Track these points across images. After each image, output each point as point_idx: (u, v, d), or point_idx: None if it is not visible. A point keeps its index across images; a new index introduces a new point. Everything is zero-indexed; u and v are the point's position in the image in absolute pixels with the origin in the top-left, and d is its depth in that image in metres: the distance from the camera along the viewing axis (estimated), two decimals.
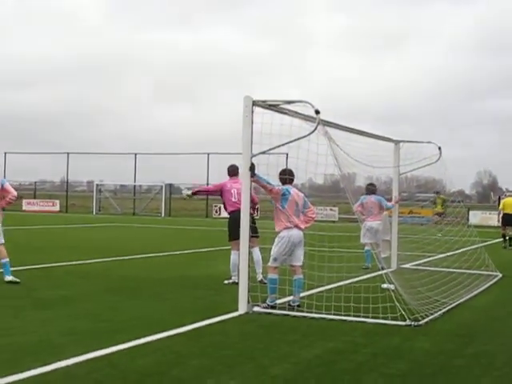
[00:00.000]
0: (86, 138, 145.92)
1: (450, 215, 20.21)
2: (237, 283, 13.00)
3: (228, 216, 14.33)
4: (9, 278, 13.73)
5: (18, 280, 13.62)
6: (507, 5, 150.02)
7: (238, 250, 13.09)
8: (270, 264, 11.49)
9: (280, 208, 11.45)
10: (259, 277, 13.70)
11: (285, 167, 12.06)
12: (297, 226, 11.51)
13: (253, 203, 13.81)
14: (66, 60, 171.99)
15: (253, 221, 13.09)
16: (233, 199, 14.14)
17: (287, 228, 11.42)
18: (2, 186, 14.27)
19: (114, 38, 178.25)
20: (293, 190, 11.69)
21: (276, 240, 11.50)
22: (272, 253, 11.50)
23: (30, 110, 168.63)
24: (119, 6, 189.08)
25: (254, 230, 12.30)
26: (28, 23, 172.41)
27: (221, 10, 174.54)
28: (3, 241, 14.23)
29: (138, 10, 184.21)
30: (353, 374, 7.42)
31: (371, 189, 17.84)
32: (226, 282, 14.03)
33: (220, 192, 14.54)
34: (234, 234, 13.04)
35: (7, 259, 13.95)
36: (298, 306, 11.29)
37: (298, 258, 11.59)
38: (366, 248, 17.48)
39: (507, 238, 28.11)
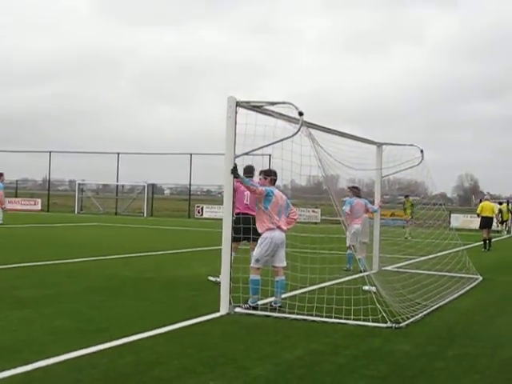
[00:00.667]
0: (68, 136, 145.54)
1: (421, 218, 20.30)
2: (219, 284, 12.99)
3: (235, 216, 13.49)
4: None
5: None
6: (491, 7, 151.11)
7: (235, 251, 13.04)
8: (252, 265, 11.49)
9: (263, 209, 11.45)
10: None
11: (267, 168, 12.00)
12: (279, 228, 11.52)
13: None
14: (52, 57, 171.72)
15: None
16: (245, 201, 13.87)
17: (270, 229, 11.43)
18: None
19: (97, 36, 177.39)
20: (276, 191, 11.70)
21: (259, 241, 11.51)
22: (254, 253, 11.52)
23: (13, 108, 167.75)
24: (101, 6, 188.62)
25: (256, 233, 12.32)
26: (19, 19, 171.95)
27: (207, 8, 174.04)
28: None
29: (122, 8, 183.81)
30: (334, 375, 7.44)
31: (357, 192, 17.88)
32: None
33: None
34: (235, 236, 12.83)
35: None
36: (280, 307, 11.30)
37: (281, 259, 11.60)
38: (349, 251, 17.48)
39: (487, 241, 28.36)
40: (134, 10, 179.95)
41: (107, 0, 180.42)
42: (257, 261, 11.44)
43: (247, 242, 13.58)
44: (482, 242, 28.57)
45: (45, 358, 7.57)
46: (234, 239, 12.80)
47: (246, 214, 13.49)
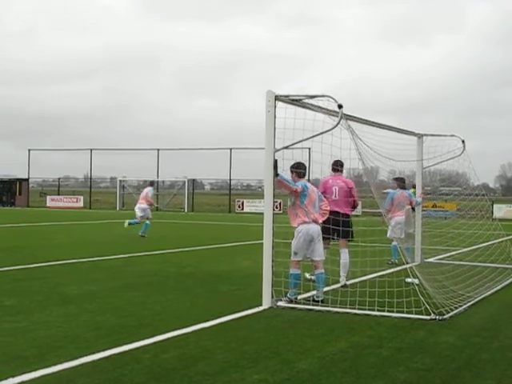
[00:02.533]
0: (108, 134, 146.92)
1: (464, 209, 20.06)
2: (345, 285, 12.96)
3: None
4: None
5: None
6: None
7: (326, 248, 12.86)
8: (292, 258, 11.45)
9: (299, 204, 11.40)
10: (342, 280, 13.23)
11: (299, 161, 11.79)
12: (315, 221, 11.49)
13: (353, 203, 13.68)
14: (91, 56, 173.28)
15: (347, 223, 13.03)
16: (333, 197, 13.43)
17: (305, 223, 11.39)
18: None
19: (135, 33, 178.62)
20: (309, 185, 11.66)
21: (295, 234, 11.45)
22: (292, 247, 11.45)
23: (53, 106, 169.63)
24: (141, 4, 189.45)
25: (345, 234, 12.28)
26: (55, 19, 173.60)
27: (245, 2, 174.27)
28: None
29: (159, 4, 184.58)
30: (378, 368, 7.40)
31: (402, 184, 17.75)
32: (307, 276, 13.08)
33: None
34: (324, 234, 12.70)
35: None
36: (322, 301, 11.27)
37: (319, 253, 11.56)
38: (393, 243, 17.31)
39: None
40: (172, 5, 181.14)
41: None
42: (295, 254, 11.40)
43: (336, 238, 13.39)
44: None
45: (90, 354, 7.65)
46: (324, 238, 12.63)
47: (338, 213, 13.19)
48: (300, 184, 11.43)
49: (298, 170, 11.64)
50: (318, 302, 11.25)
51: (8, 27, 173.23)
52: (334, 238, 13.11)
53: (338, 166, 13.56)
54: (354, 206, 13.84)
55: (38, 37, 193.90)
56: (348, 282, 13.05)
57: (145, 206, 26.72)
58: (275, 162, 11.00)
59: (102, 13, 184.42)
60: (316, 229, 11.51)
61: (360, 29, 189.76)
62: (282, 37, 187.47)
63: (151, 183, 29.69)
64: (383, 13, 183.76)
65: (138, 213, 26.73)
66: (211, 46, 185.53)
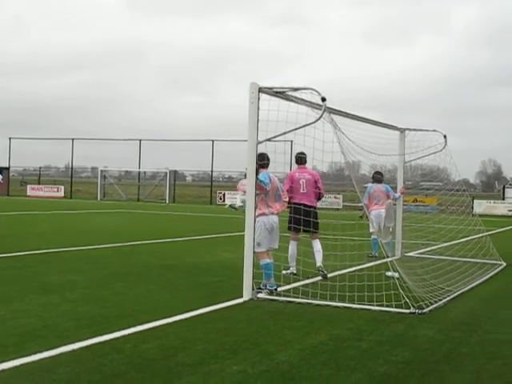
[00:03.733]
0: (91, 126, 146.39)
1: (444, 204, 20.17)
2: (295, 274, 13.01)
3: (293, 205, 13.34)
4: None
5: None
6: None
7: (297, 240, 13.14)
8: (256, 250, 11.33)
9: (263, 197, 11.50)
10: (320, 266, 13.30)
11: (261, 152, 11.57)
12: (273, 213, 11.65)
13: (319, 195, 13.79)
14: (77, 50, 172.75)
15: (315, 215, 13.08)
16: (301, 190, 13.55)
17: (264, 214, 11.51)
18: None
19: (122, 28, 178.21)
20: (271, 177, 11.74)
21: (255, 226, 11.38)
22: (255, 239, 11.38)
23: (38, 97, 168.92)
24: None
25: (315, 226, 12.32)
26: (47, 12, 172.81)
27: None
28: None
29: (149, 1, 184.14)
30: (358, 360, 7.43)
31: (378, 178, 17.75)
32: (284, 272, 12.96)
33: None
34: (295, 225, 12.89)
35: None
36: (276, 289, 11.40)
37: (277, 243, 11.76)
38: (373, 237, 17.37)
39: None
40: (159, 1, 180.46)
41: None
42: (258, 245, 11.37)
43: (306, 233, 13.55)
44: None
45: (70, 343, 7.63)
46: (295, 229, 12.80)
47: (307, 205, 13.34)
48: (263, 176, 11.42)
49: (261, 161, 11.54)
50: (272, 291, 11.31)
51: None
52: (306, 230, 13.16)
53: (303, 155, 13.67)
54: (319, 198, 14.05)
55: (25, 29, 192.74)
56: (329, 275, 13.08)
57: None
58: (257, 168, 11.07)
59: (90, 7, 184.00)
60: (275, 219, 11.67)
61: (346, 29, 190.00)
62: (268, 35, 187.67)
63: None
64: (370, 13, 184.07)
65: None
66: (198, 42, 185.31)
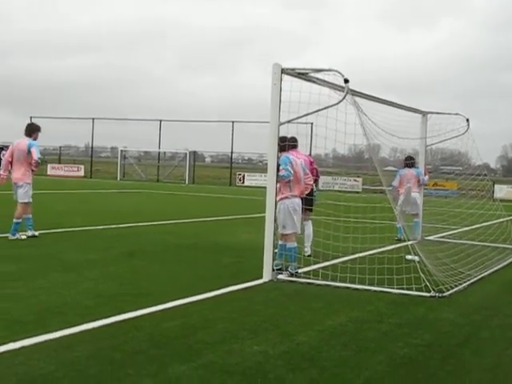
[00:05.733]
0: (112, 105, 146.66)
1: (465, 188, 20.05)
2: (310, 255, 12.99)
3: None
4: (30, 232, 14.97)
5: (36, 234, 15.01)
6: None
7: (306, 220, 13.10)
8: (280, 231, 11.41)
9: (286, 182, 11.45)
10: (307, 251, 13.46)
11: (282, 135, 11.65)
12: (295, 196, 11.58)
13: (314, 176, 13.76)
14: (98, 30, 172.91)
15: (310, 193, 13.04)
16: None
17: (286, 198, 11.46)
18: (29, 149, 14.49)
19: (142, 8, 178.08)
20: (292, 159, 11.61)
21: (277, 208, 11.37)
22: (279, 222, 11.40)
23: (59, 76, 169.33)
24: None
25: (308, 202, 12.29)
26: None
27: None
28: (31, 200, 15.27)
29: None
30: (378, 342, 7.42)
31: (411, 162, 17.68)
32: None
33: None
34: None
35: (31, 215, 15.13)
36: (297, 272, 11.42)
37: (299, 225, 11.70)
38: None
39: None
40: None
41: None
42: (283, 227, 11.38)
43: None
44: None
45: (90, 321, 7.65)
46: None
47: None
48: (283, 162, 11.34)
49: (282, 143, 11.54)
50: (293, 274, 11.32)
51: None
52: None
53: (295, 142, 13.65)
54: (316, 180, 14.13)
55: (43, 8, 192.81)
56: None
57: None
58: (278, 164, 11.10)
59: None
60: (297, 201, 11.59)
61: (362, 10, 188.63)
62: (285, 16, 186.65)
63: None
64: None
65: None
66: (217, 23, 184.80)
